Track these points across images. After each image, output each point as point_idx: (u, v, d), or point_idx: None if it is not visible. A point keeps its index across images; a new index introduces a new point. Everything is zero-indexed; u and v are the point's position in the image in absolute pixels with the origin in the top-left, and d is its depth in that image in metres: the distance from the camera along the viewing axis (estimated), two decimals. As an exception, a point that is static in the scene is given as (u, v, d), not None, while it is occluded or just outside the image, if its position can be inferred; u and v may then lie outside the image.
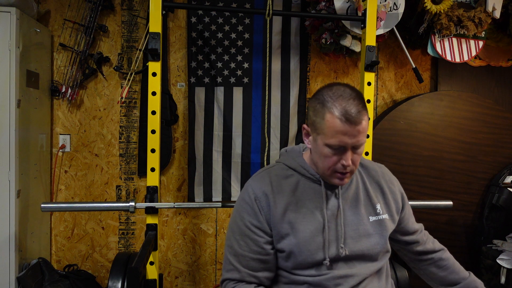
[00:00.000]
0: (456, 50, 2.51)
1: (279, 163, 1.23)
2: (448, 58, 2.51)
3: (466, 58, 2.55)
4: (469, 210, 2.61)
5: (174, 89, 2.56)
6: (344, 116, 1.01)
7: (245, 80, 2.55)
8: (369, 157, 1.96)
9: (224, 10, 2.47)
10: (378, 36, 2.23)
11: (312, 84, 2.67)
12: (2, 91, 1.98)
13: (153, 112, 1.77)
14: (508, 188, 2.51)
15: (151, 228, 1.76)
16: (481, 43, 2.56)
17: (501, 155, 2.63)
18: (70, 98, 2.42)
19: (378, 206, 1.18)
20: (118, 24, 2.51)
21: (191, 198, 2.54)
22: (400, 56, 2.75)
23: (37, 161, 2.29)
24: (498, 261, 2.24)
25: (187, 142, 2.56)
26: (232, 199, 2.56)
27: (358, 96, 1.06)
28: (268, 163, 2.42)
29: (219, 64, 2.52)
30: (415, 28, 2.44)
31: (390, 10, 2.25)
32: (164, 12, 1.81)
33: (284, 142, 2.59)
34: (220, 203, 1.98)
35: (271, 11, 1.96)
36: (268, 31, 2.36)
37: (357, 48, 2.33)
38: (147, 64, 1.91)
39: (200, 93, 2.53)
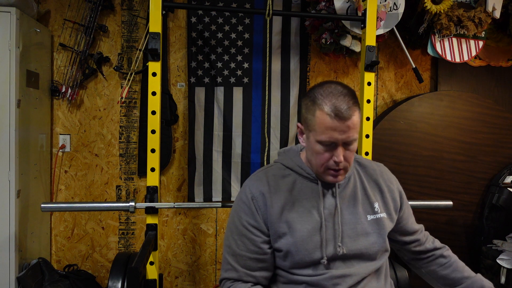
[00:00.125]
0: (456, 50, 2.51)
1: (277, 163, 1.24)
2: (448, 58, 2.51)
3: (466, 58, 2.55)
4: (469, 210, 2.61)
5: (174, 89, 2.56)
6: (333, 112, 1.02)
7: (245, 80, 2.55)
8: (369, 157, 1.95)
9: (224, 10, 2.47)
10: (378, 36, 2.23)
11: (312, 84, 2.66)
12: (2, 91, 1.98)
13: (153, 112, 1.77)
14: (508, 188, 2.50)
15: (151, 228, 1.76)
16: (481, 43, 2.55)
17: (501, 155, 2.62)
18: (70, 98, 2.42)
19: (376, 205, 1.18)
20: (118, 24, 2.51)
21: (191, 198, 2.55)
22: (400, 56, 2.75)
23: (37, 161, 2.29)
24: (498, 261, 2.24)
25: (187, 142, 2.56)
26: (232, 199, 2.56)
27: (349, 93, 1.06)
28: (268, 163, 2.41)
29: (219, 64, 2.52)
30: (415, 28, 2.44)
31: (390, 10, 2.25)
32: (164, 12, 1.81)
33: (284, 142, 2.59)
34: (220, 203, 1.98)
35: (271, 11, 1.96)
36: (268, 31, 2.36)
37: (357, 48, 2.32)
38: (147, 64, 1.91)
39: (200, 93, 2.53)
